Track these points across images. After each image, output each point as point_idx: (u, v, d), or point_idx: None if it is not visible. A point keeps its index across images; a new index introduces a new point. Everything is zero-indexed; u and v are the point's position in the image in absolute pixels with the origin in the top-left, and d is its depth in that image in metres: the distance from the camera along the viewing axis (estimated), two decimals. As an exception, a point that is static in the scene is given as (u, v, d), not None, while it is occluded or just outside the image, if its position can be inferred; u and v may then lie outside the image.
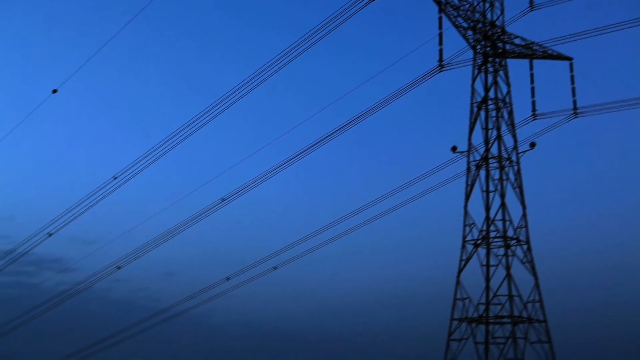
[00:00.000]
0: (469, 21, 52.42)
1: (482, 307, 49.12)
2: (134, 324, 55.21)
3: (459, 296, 50.39)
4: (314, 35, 45.34)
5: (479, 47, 52.94)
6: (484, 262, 49.75)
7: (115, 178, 48.49)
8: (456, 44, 52.29)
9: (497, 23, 53.20)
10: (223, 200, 49.91)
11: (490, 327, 48.76)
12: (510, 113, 52.66)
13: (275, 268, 53.32)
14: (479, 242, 50.30)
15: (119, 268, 52.34)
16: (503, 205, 50.66)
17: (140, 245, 51.87)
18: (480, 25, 52.71)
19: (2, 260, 53.97)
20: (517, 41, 54.83)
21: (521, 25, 55.95)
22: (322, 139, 50.05)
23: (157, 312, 55.19)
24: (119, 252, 52.62)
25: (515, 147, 52.32)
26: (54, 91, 49.44)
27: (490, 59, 52.64)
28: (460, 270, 50.77)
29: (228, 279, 53.03)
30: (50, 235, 50.28)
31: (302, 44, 45.70)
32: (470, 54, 53.07)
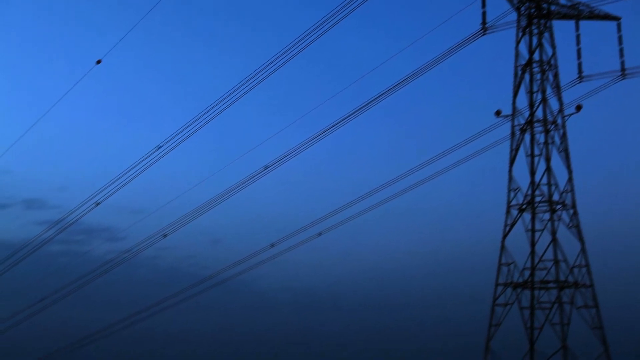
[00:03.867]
0: (512, -18, 51.46)
1: (527, 272, 48.88)
2: (181, 291, 56.01)
3: (503, 261, 50.18)
4: (345, 7, 44.84)
5: (523, 8, 51.93)
6: (529, 227, 49.41)
7: (160, 147, 48.86)
8: (499, 6, 51.45)
9: (542, -17, 52.06)
10: (266, 167, 50.12)
11: (536, 292, 48.54)
12: (556, 75, 51.73)
13: (320, 234, 53.55)
14: (524, 206, 49.87)
15: (164, 236, 52.95)
16: (548, 169, 50.07)
17: (185, 213, 52.41)
18: (524, -14, 51.65)
19: (52, 229, 54.94)
20: (562, 1, 53.64)
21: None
22: (365, 105, 49.79)
23: (203, 279, 55.89)
24: (165, 220, 53.25)
25: (560, 110, 51.50)
26: (98, 62, 49.76)
27: (534, 20, 51.62)
28: (505, 235, 50.46)
29: (272, 245, 53.39)
30: (97, 204, 50.98)
31: (335, 16, 45.24)
32: (514, 16, 52.19)
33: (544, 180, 49.89)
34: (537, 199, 49.62)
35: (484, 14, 50.48)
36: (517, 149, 50.78)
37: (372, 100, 49.65)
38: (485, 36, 50.39)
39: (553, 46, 51.87)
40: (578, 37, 55.44)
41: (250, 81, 47.51)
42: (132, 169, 49.79)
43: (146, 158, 49.27)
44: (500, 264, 50.25)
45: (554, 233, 49.28)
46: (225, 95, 47.96)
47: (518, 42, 51.69)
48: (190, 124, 48.60)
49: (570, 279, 49.08)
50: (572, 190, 50.70)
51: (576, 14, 54.39)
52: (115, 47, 52.49)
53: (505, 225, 50.49)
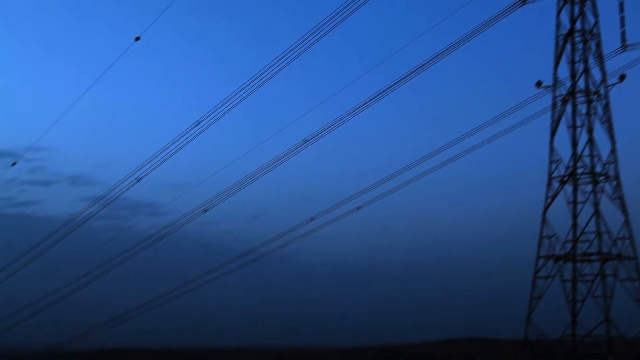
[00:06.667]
0: (553, -50, 50.43)
1: (569, 245, 48.44)
2: (222, 265, 56.43)
3: (545, 233, 49.77)
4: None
5: (564, -24, 50.90)
6: (571, 199, 48.86)
7: (199, 123, 49.00)
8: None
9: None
10: (305, 142, 50.07)
11: (578, 264, 48.09)
12: (598, 45, 50.69)
13: (359, 208, 53.49)
14: (565, 178, 49.30)
15: (205, 211, 53.25)
16: (591, 140, 49.31)
17: (226, 188, 52.62)
18: (565, -47, 50.57)
19: (95, 205, 55.64)
20: (605, -31, 52.43)
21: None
22: (403, 79, 49.20)
23: (244, 252, 56.23)
24: (207, 195, 53.49)
25: (603, 80, 50.53)
26: (137, 39, 49.89)
27: (576, -12, 50.54)
28: (546, 208, 50.01)
29: (312, 219, 53.48)
30: (139, 180, 51.42)
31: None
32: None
33: (586, 152, 49.26)
34: (579, 170, 49.00)
35: (524, -18, 49.59)
36: (558, 120, 50.11)
37: (409, 74, 49.07)
38: (525, 6, 49.50)
39: (595, 14, 50.78)
40: (621, 4, 53.97)
41: (287, 56, 47.31)
42: (172, 144, 50.08)
43: (186, 134, 49.50)
44: (541, 237, 49.86)
45: (596, 205, 48.63)
46: (263, 70, 47.86)
47: (559, 11, 50.78)
48: (229, 99, 48.63)
49: (614, 251, 48.52)
50: (615, 162, 49.98)
51: (619, -19, 53.11)
52: (154, 23, 52.69)
53: (547, 198, 50.03)
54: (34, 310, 66.19)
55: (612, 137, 50.18)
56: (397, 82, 48.94)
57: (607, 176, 49.45)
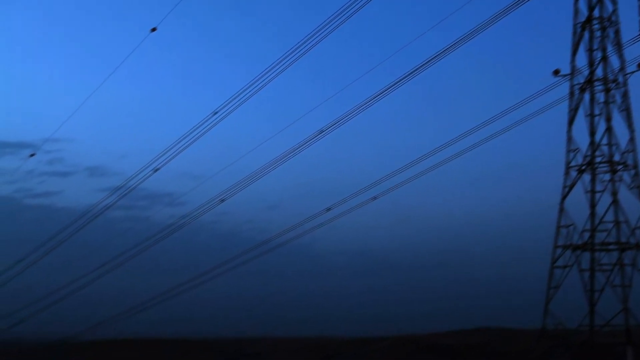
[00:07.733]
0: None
1: (587, 234, 48.22)
2: (239, 255, 56.47)
3: (563, 223, 49.56)
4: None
5: (582, -36, 50.47)
6: (589, 189, 48.61)
7: (216, 113, 48.99)
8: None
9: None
10: (321, 132, 49.95)
11: (596, 254, 47.88)
12: (617, 32, 50.27)
13: (374, 198, 53.34)
14: (583, 167, 49.03)
15: (222, 201, 53.28)
16: (609, 129, 49.03)
17: (242, 178, 52.60)
18: (583, -60, 50.13)
19: (113, 196, 55.83)
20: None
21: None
22: (418, 68, 48.92)
23: (261, 242, 56.22)
24: (224, 185, 53.48)
25: (622, 68, 50.14)
26: (153, 30, 49.88)
27: (594, -25, 50.13)
28: (564, 197, 49.77)
29: (328, 209, 53.38)
30: (156, 170, 51.50)
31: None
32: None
33: (604, 141, 48.96)
34: (597, 159, 48.74)
35: (541, -30, 49.24)
36: (576, 109, 49.79)
37: (425, 64, 48.74)
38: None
39: (614, 2, 50.37)
40: (640, -9, 53.56)
41: (302, 47, 47.14)
42: (188, 135, 50.14)
43: (203, 124, 49.54)
44: (559, 226, 49.65)
45: (614, 194, 48.38)
46: (278, 61, 47.73)
47: (577, -1, 50.39)
48: (246, 89, 48.56)
49: (632, 240, 48.27)
50: (633, 150, 49.67)
51: (638, -32, 52.56)
52: (170, 14, 52.70)
53: (564, 187, 49.78)
54: (52, 301, 66.62)
55: (630, 125, 49.89)
56: (412, 72, 48.56)
57: (625, 165, 49.17)
